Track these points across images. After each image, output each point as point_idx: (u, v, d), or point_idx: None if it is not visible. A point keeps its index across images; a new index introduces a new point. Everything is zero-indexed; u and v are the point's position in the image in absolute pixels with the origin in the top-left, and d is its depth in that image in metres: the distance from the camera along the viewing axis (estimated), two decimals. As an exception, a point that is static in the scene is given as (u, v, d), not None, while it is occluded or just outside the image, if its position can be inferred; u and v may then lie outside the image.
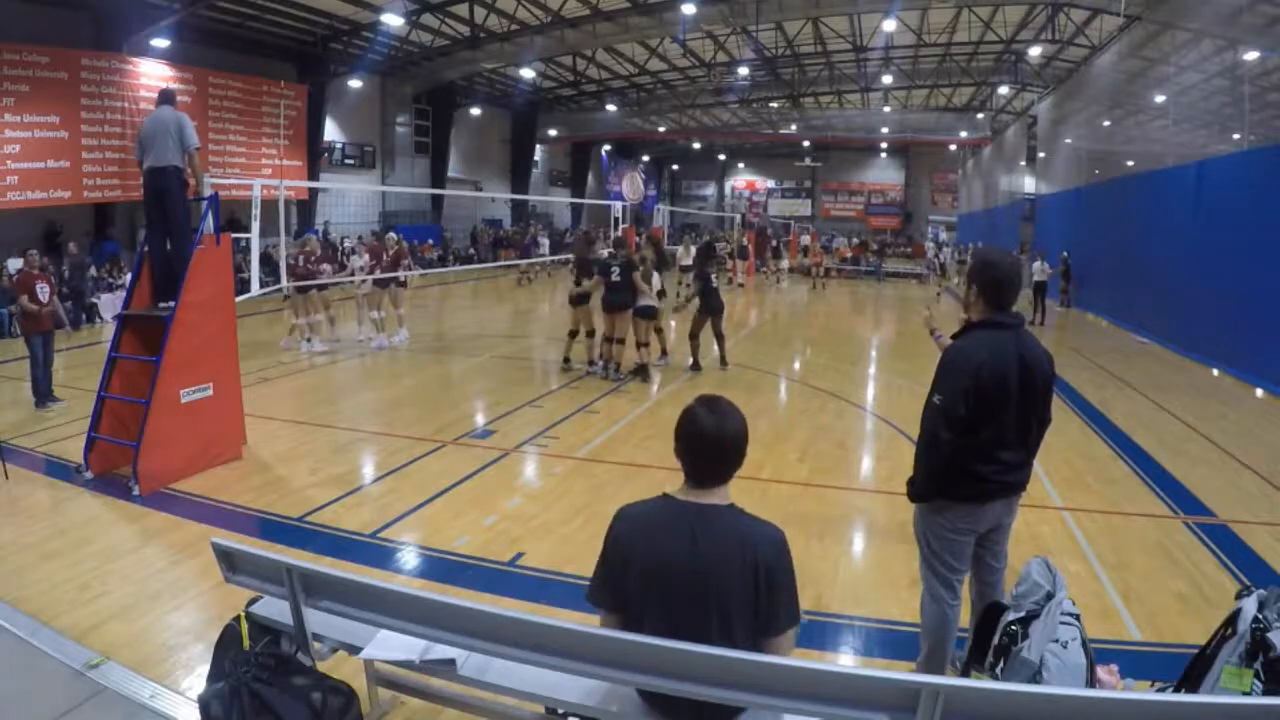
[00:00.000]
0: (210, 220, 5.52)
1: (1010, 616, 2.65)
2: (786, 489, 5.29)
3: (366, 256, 11.05)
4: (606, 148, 35.62)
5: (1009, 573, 2.87)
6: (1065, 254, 15.97)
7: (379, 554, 4.21)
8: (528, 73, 23.30)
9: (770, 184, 41.74)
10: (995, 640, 2.65)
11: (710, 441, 1.91)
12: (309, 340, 10.13)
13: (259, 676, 2.38)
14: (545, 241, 23.18)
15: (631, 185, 21.47)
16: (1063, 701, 1.64)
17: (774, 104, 28.28)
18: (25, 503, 4.85)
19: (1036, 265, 14.64)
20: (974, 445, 2.61)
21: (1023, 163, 24.76)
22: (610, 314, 8.54)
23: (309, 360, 9.65)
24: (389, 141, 23.79)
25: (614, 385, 8.34)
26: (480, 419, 7.08)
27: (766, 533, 1.91)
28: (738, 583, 1.85)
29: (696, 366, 9.16)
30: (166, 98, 5.67)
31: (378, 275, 10.49)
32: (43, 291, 7.18)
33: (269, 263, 12.52)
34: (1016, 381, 2.60)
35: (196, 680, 2.87)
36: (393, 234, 12.77)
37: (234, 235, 6.45)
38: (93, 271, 14.48)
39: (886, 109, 28.30)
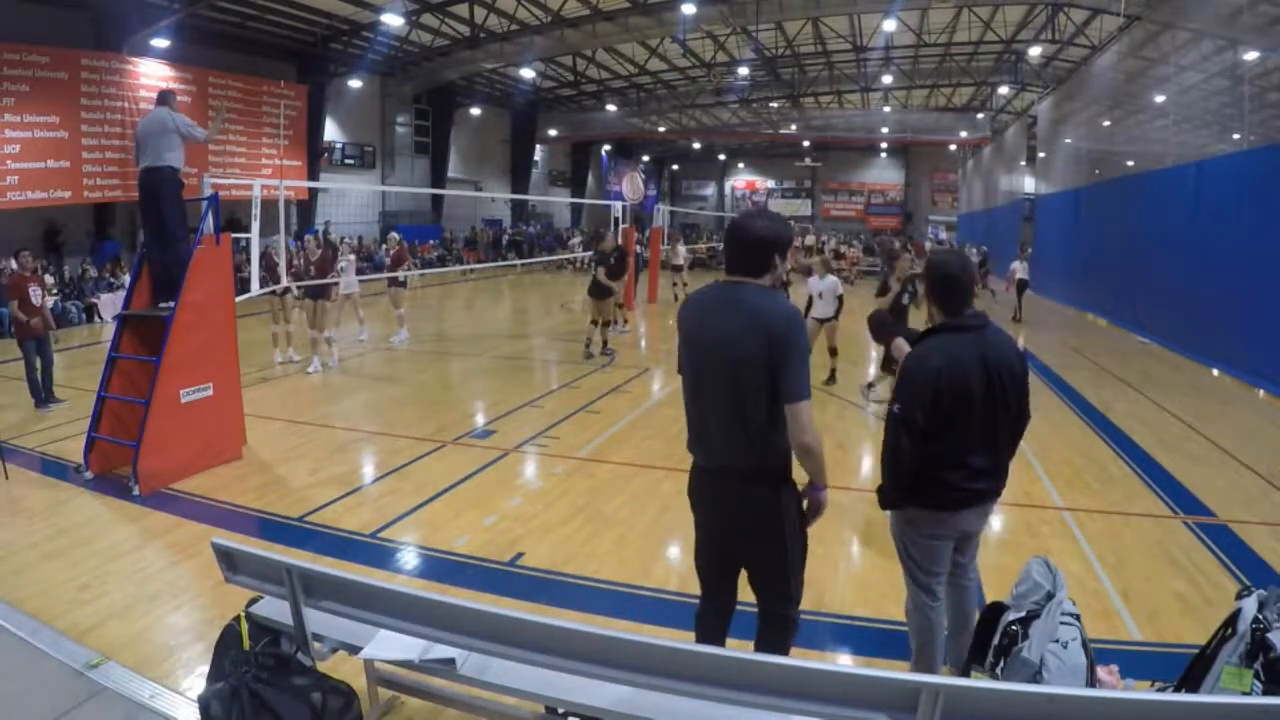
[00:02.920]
0: (210, 220, 5.52)
1: (1010, 616, 2.66)
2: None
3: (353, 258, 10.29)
4: (606, 148, 35.58)
5: (1008, 573, 2.87)
6: (984, 249, 16.21)
7: (379, 554, 4.21)
8: (528, 73, 23.29)
9: (770, 184, 41.70)
10: (995, 640, 2.65)
11: (736, 235, 2.34)
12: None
13: (259, 676, 2.38)
14: (574, 241, 27.90)
15: (631, 185, 21.40)
16: (1063, 701, 1.64)
17: (774, 104, 28.24)
18: (25, 503, 4.85)
19: (1016, 264, 15.14)
20: (939, 453, 2.55)
21: (1023, 163, 24.74)
22: (594, 299, 10.09)
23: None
24: (389, 141, 23.78)
25: (615, 385, 8.35)
26: (480, 419, 7.08)
27: (780, 307, 2.26)
28: (753, 349, 2.21)
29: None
30: (164, 99, 5.67)
31: (306, 283, 8.84)
32: (35, 295, 7.15)
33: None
34: (980, 384, 2.52)
35: (196, 680, 2.87)
36: (395, 234, 12.76)
37: (234, 235, 6.44)
38: (93, 271, 14.49)
39: (886, 109, 28.26)
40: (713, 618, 2.57)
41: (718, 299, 2.33)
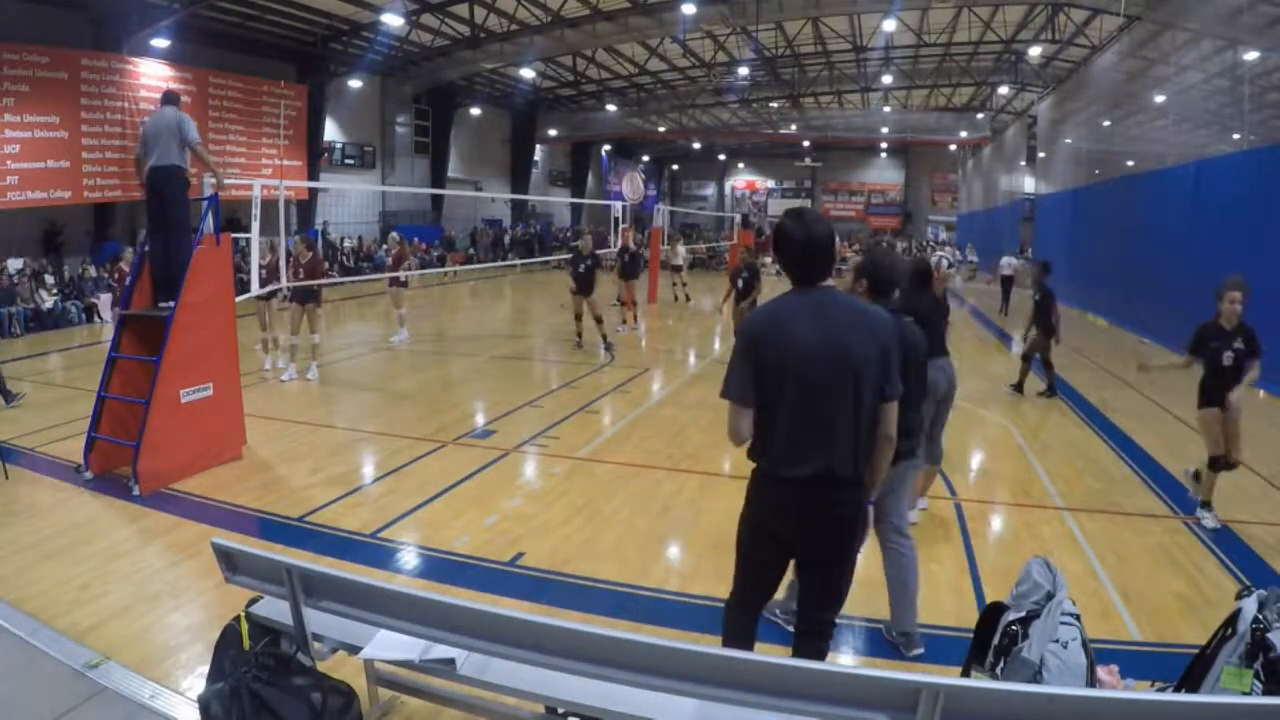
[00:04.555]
0: (210, 220, 5.52)
1: (1010, 616, 2.66)
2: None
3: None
4: (606, 148, 35.59)
5: (1008, 573, 2.88)
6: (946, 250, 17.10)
7: (379, 554, 4.21)
8: (528, 73, 23.30)
9: (770, 184, 41.72)
10: (995, 640, 2.65)
11: (813, 240, 2.29)
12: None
13: (259, 676, 2.38)
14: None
15: (631, 185, 21.50)
16: (1063, 701, 1.64)
17: (774, 104, 28.25)
18: (25, 503, 4.85)
19: (1005, 260, 16.33)
20: None
21: (1023, 163, 24.76)
22: (577, 296, 10.46)
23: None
24: (389, 141, 23.78)
25: (615, 385, 8.35)
26: (480, 419, 7.08)
27: (882, 312, 2.39)
28: (873, 354, 2.25)
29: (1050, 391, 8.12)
30: (170, 98, 5.68)
31: (293, 284, 8.14)
32: None
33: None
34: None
35: (196, 680, 2.87)
36: (395, 233, 12.76)
37: (234, 235, 6.45)
38: (93, 271, 14.49)
39: (886, 109, 28.28)
40: (752, 620, 2.60)
41: (814, 307, 2.27)
